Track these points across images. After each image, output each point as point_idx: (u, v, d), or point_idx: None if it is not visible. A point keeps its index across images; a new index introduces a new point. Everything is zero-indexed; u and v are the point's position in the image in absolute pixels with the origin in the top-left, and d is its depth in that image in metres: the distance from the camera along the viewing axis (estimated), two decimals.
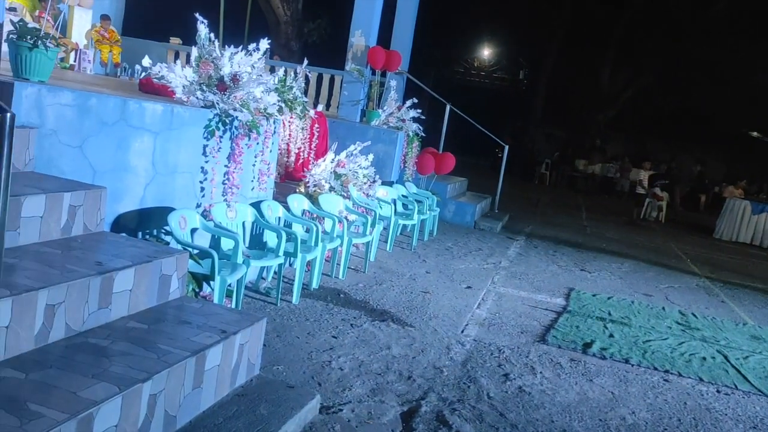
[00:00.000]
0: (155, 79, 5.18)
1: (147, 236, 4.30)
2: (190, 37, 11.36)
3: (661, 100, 25.15)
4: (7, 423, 2.05)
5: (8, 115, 1.47)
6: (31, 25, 4.17)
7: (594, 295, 6.95)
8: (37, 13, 9.36)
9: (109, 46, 10.38)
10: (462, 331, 5.15)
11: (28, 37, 3.71)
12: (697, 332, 6.05)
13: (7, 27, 3.94)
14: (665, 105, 25.31)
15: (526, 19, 25.02)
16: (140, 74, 8.65)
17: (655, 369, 4.90)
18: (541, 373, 4.51)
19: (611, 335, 5.57)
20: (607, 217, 15.35)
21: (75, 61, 9.40)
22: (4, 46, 3.92)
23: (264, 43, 4.99)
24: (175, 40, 12.02)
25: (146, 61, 5.92)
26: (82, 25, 10.30)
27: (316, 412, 3.39)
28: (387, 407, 3.65)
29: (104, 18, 10.48)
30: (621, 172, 22.07)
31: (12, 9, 8.49)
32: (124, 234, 4.02)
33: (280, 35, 15.37)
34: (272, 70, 9.74)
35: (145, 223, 4.29)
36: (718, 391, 4.65)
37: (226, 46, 4.83)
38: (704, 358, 5.28)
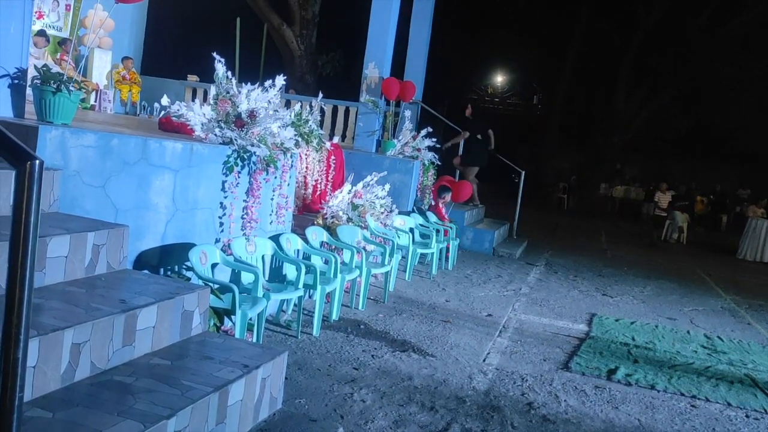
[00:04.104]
0: (174, 118, 5.29)
1: (169, 272, 4.35)
2: (207, 74, 11.62)
3: (678, 121, 25.07)
4: None
5: (37, 162, 1.52)
6: (54, 68, 4.30)
7: (617, 320, 6.87)
8: (58, 56, 9.63)
9: (128, 86, 10.63)
10: (484, 360, 5.12)
11: (52, 81, 3.82)
12: (723, 356, 5.95)
13: (31, 72, 4.07)
14: (682, 125, 25.22)
15: (538, 44, 25.20)
16: (159, 112, 8.84)
17: (682, 395, 4.82)
18: (565, 401, 4.46)
19: (636, 361, 5.50)
20: (627, 240, 15.22)
21: (96, 101, 9.63)
22: (29, 90, 4.04)
23: (280, 80, 5.08)
24: (192, 77, 12.27)
25: (165, 100, 6.04)
26: (102, 65, 10.57)
27: None
28: None
29: (126, 59, 10.74)
30: (645, 195, 21.91)
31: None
32: (146, 271, 4.07)
33: (295, 69, 15.60)
34: (288, 105, 9.96)
35: (167, 260, 4.35)
36: (747, 416, 4.56)
37: (243, 84, 4.92)
38: (732, 382, 5.19)
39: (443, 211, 9.39)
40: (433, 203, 9.55)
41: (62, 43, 9.87)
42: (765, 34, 21.33)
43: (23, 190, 1.62)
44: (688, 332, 6.72)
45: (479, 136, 11.24)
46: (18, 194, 1.62)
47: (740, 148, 24.70)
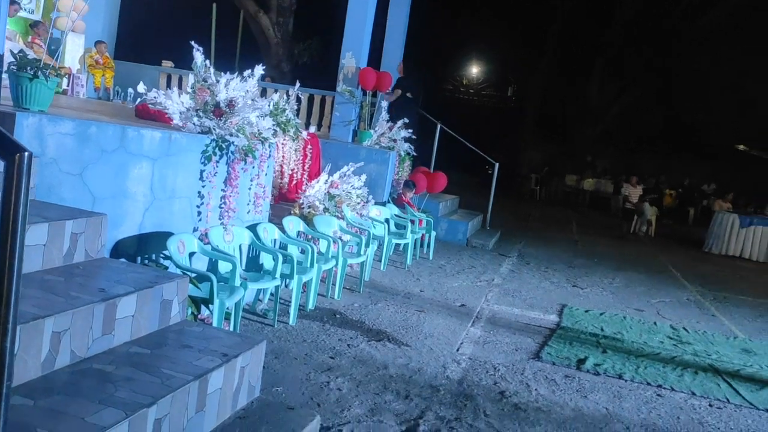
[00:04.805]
0: (150, 105, 5.26)
1: (146, 261, 4.36)
2: (181, 60, 11.51)
3: (650, 115, 25.48)
4: None
5: (26, 154, 1.54)
6: (30, 54, 4.25)
7: (586, 311, 7.03)
8: (29, 39, 9.46)
9: (102, 71, 10.49)
10: (457, 350, 5.22)
11: (29, 68, 3.78)
12: (688, 347, 6.14)
13: (8, 58, 4.02)
14: (654, 119, 25.63)
15: (513, 36, 25.34)
16: (132, 97, 8.74)
17: (649, 384, 4.98)
18: (536, 390, 4.58)
19: (604, 351, 5.65)
20: (597, 232, 15.49)
21: (68, 86, 9.48)
22: (4, 76, 3.99)
23: (259, 69, 5.09)
24: (167, 63, 12.13)
25: (141, 87, 6.00)
26: (74, 50, 10.41)
27: None
28: (386, 427, 3.70)
29: (99, 43, 10.57)
30: (614, 188, 22.25)
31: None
32: (123, 259, 4.07)
33: (271, 57, 15.51)
34: (264, 93, 9.91)
35: (144, 248, 4.35)
36: (710, 405, 4.73)
37: (222, 74, 4.91)
38: (696, 373, 5.37)
39: (406, 198, 9.33)
40: (398, 193, 9.55)
41: (34, 25, 9.69)
42: (736, 30, 21.76)
43: (12, 181, 1.63)
44: (655, 323, 6.91)
45: (409, 94, 10.89)
46: (7, 186, 1.64)
47: (709, 143, 25.20)
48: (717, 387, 5.10)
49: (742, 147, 27.24)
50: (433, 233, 9.05)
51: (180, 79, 11.50)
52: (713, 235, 14.66)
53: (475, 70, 32.76)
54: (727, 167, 25.46)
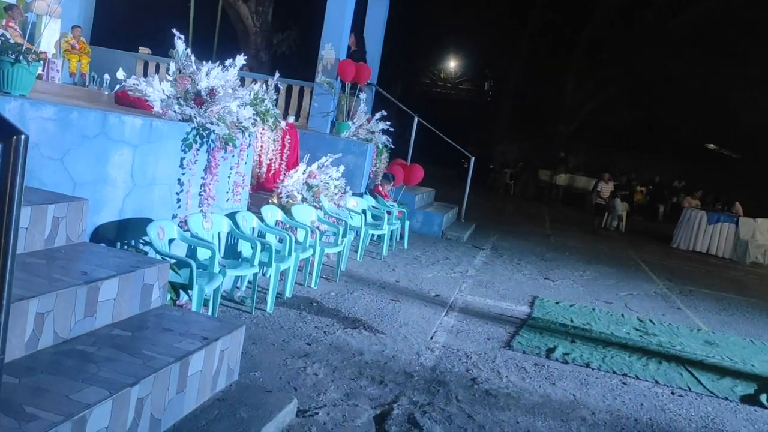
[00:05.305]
0: (130, 92, 5.27)
1: (125, 246, 4.39)
2: (158, 47, 11.41)
3: (622, 113, 25.90)
4: (6, 425, 2.16)
5: (23, 137, 1.61)
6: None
7: (557, 303, 7.21)
8: (3, 22, 9.33)
9: (77, 56, 10.39)
10: (431, 338, 5.34)
11: (10, 52, 3.80)
12: (654, 338, 6.35)
13: None
14: (626, 117, 26.07)
15: (491, 31, 25.54)
16: (108, 83, 8.68)
17: (614, 372, 5.16)
18: (506, 377, 4.72)
19: (573, 341, 5.83)
20: (570, 227, 15.76)
21: (43, 71, 9.38)
22: None
23: (240, 59, 5.13)
24: (144, 50, 12.03)
25: (121, 74, 6.00)
26: (50, 34, 10.27)
27: (293, 415, 3.54)
28: (360, 410, 3.80)
29: (75, 28, 10.46)
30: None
31: None
32: (103, 244, 4.11)
33: (250, 46, 15.46)
34: (242, 81, 9.89)
35: (124, 234, 4.39)
36: (672, 393, 4.92)
37: (203, 62, 4.95)
38: (660, 363, 5.57)
39: (383, 190, 9.43)
40: (375, 184, 9.64)
41: (8, 8, 9.54)
42: (708, 31, 22.21)
43: (8, 164, 1.69)
44: (623, 315, 7.11)
45: None
46: (3, 168, 1.70)
47: (679, 142, 25.72)
48: (680, 376, 5.30)
49: (711, 146, 27.84)
50: (407, 223, 9.16)
51: (157, 66, 11.42)
52: (681, 232, 15.02)
53: (452, 64, 32.95)
54: (696, 165, 26.04)
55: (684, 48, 22.67)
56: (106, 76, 8.86)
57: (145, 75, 11.51)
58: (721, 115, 23.52)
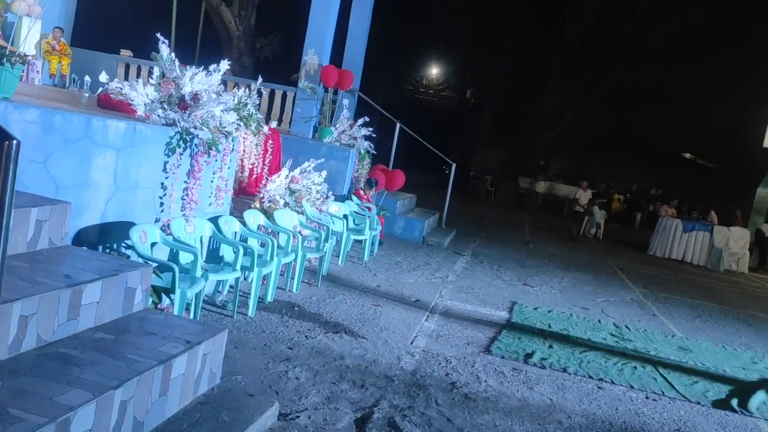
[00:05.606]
0: (113, 95, 5.28)
1: (107, 250, 4.40)
2: (140, 49, 11.34)
3: (602, 122, 26.27)
4: None
5: (15, 142, 1.64)
6: None
7: (535, 309, 7.31)
8: None
9: (58, 58, 10.32)
10: (411, 343, 5.40)
11: None
12: (629, 343, 6.46)
13: None
14: (605, 125, 26.43)
15: (473, 39, 25.76)
16: (88, 85, 8.64)
17: (590, 377, 5.25)
18: (485, 381, 4.79)
19: (551, 346, 5.92)
20: (549, 234, 15.93)
21: (23, 72, 9.29)
22: None
23: (224, 64, 5.16)
24: (125, 52, 11.98)
25: (104, 77, 6.00)
26: (31, 35, 10.18)
27: (274, 418, 3.57)
28: (341, 414, 3.85)
29: (56, 29, 10.40)
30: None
31: None
32: (85, 248, 4.11)
33: (233, 50, 15.45)
34: (224, 84, 9.89)
35: (106, 237, 4.39)
36: (646, 397, 5.03)
37: (187, 67, 4.97)
38: (635, 368, 5.67)
39: (365, 195, 9.49)
40: (356, 189, 9.70)
41: None
42: (684, 43, 22.64)
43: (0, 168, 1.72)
44: (599, 321, 7.23)
45: None
46: None
47: (657, 151, 26.13)
48: (654, 381, 5.41)
49: (687, 155, 28.31)
50: (377, 232, 8.99)
51: (138, 69, 11.39)
52: (658, 239, 15.26)
53: (434, 71, 33.16)
54: (673, 174, 26.47)
55: (661, 59, 23.09)
56: (87, 78, 8.83)
57: (127, 77, 11.47)
58: (697, 125, 23.96)
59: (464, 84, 33.14)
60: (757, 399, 5.27)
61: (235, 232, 5.66)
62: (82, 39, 12.38)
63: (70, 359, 2.84)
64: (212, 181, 5.42)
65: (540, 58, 25.11)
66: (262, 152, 7.76)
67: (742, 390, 5.48)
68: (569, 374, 5.24)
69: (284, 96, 10.92)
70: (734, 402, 5.14)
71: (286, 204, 6.78)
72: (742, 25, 20.83)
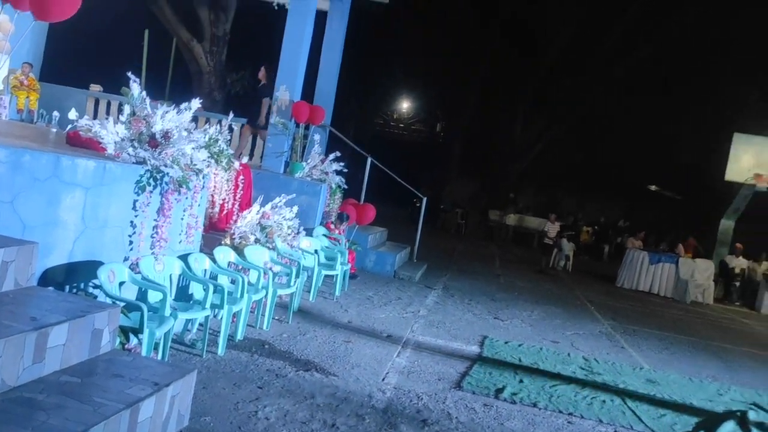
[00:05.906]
0: (82, 133, 5.26)
1: (74, 290, 4.34)
2: (110, 84, 11.30)
3: (569, 154, 26.76)
4: None
5: None
6: None
7: (506, 343, 7.36)
8: None
9: (26, 93, 10.24)
10: (383, 379, 5.39)
11: None
12: (598, 377, 6.53)
13: None
14: (573, 158, 26.92)
15: (443, 73, 26.19)
16: (56, 120, 8.57)
17: (560, 412, 5.29)
18: (456, 418, 4.80)
19: (521, 380, 5.96)
20: (519, 267, 16.08)
21: None
22: None
23: (195, 102, 5.20)
24: (95, 87, 11.94)
25: (73, 114, 5.97)
26: None
27: None
28: None
29: (25, 65, 10.35)
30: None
31: None
32: (51, 288, 4.06)
33: (203, 85, 15.51)
34: (195, 120, 9.91)
35: (73, 277, 4.34)
36: (615, 431, 5.08)
37: (159, 104, 4.99)
38: (604, 401, 5.73)
39: (335, 229, 9.53)
40: (326, 222, 9.73)
41: None
42: (651, 75, 23.33)
43: None
44: (569, 354, 7.30)
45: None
46: None
47: (624, 180, 26.65)
48: (622, 414, 5.47)
49: (653, 187, 28.91)
50: (347, 268, 8.89)
51: (108, 104, 11.35)
52: (625, 271, 15.51)
53: (405, 105, 33.57)
54: (640, 205, 26.99)
55: (627, 90, 23.74)
56: (56, 113, 8.75)
57: (96, 112, 11.42)
58: (664, 156, 24.53)
59: (434, 117, 33.59)
60: (725, 430, 5.35)
61: (205, 270, 5.63)
62: (51, 74, 12.32)
63: (36, 404, 2.79)
64: (182, 219, 5.41)
65: (510, 89, 25.60)
66: (233, 188, 7.75)
67: (709, 422, 5.55)
68: (539, 409, 5.28)
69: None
70: None
71: (257, 240, 6.77)
72: (708, 56, 21.51)
